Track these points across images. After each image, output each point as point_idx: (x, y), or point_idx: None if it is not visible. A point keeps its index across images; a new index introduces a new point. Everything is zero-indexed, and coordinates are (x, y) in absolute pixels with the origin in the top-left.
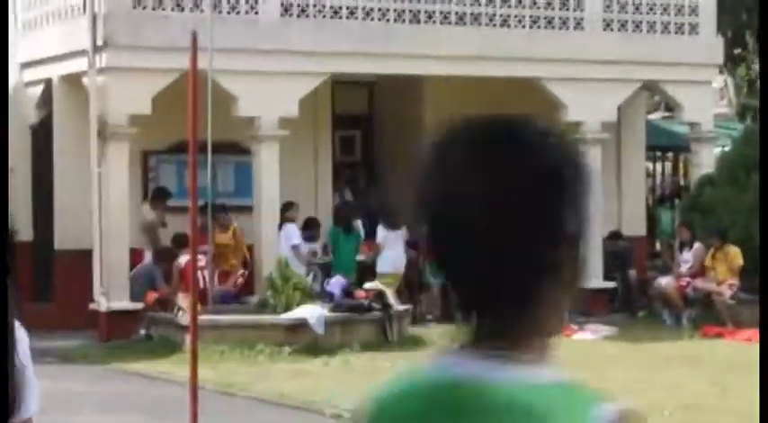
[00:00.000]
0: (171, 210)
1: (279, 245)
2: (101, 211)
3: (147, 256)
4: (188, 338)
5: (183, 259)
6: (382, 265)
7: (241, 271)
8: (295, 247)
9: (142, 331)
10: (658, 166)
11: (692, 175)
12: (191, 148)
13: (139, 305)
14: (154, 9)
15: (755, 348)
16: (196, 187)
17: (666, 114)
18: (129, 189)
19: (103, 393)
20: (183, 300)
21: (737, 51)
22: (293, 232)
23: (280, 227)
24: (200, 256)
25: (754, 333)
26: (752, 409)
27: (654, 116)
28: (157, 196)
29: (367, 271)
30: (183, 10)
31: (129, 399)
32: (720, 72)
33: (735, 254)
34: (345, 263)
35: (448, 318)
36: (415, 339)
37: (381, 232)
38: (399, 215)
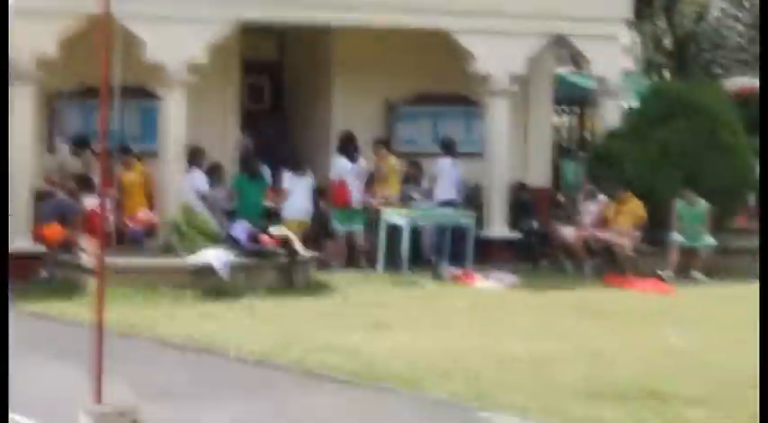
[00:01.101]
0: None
1: (184, 190)
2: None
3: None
4: (91, 281)
5: (89, 201)
6: (288, 212)
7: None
8: (201, 193)
9: (44, 273)
10: (565, 120)
11: (598, 129)
12: (102, 91)
13: (42, 248)
14: None
15: (653, 298)
16: (107, 131)
17: (574, 69)
18: (34, 133)
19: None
20: (86, 241)
21: (645, 8)
22: (200, 178)
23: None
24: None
25: (653, 283)
26: (648, 355)
27: (562, 70)
28: (80, 143)
29: (273, 217)
30: None
31: (29, 341)
32: (628, 28)
33: (637, 206)
34: (250, 208)
35: (352, 266)
36: (319, 285)
37: (288, 178)
38: (306, 162)
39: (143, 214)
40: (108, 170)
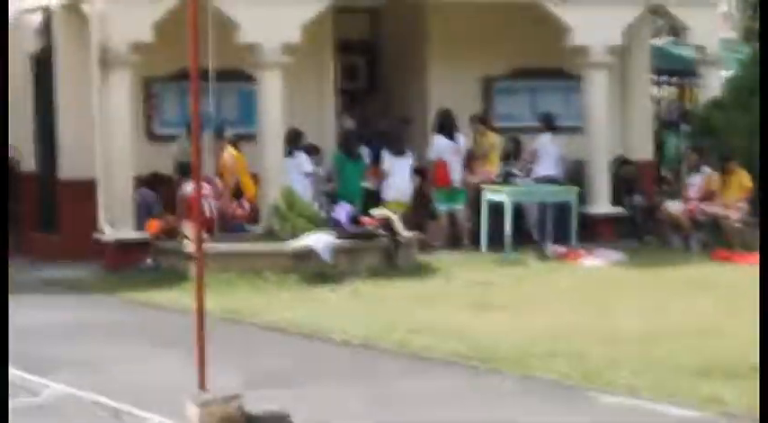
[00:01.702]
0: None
1: (288, 172)
2: (104, 139)
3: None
4: (194, 267)
5: (188, 187)
6: (388, 193)
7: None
8: (310, 175)
9: (149, 261)
10: (664, 91)
11: (699, 100)
12: (192, 75)
13: (145, 235)
14: None
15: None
16: (198, 115)
17: (672, 38)
18: (132, 117)
19: (109, 322)
20: (188, 228)
21: None
22: (304, 160)
23: (289, 154)
24: (204, 185)
25: None
26: (759, 331)
27: (660, 41)
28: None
29: (373, 198)
30: None
31: (134, 328)
32: None
33: (743, 177)
34: (351, 190)
35: (455, 246)
36: (422, 267)
37: (387, 159)
38: (405, 141)
39: (244, 201)
40: (203, 155)
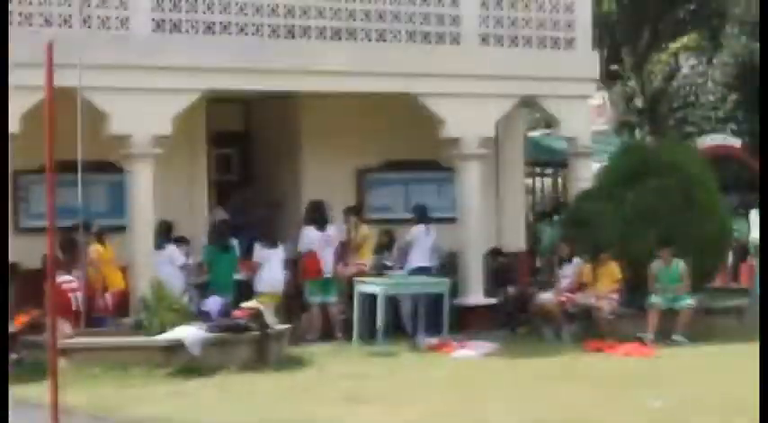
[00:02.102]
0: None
1: (158, 265)
2: None
3: None
4: (61, 361)
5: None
6: (260, 284)
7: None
8: (185, 267)
9: (12, 355)
10: (538, 182)
11: (571, 191)
12: (48, 166)
13: (11, 329)
14: (20, 24)
15: (635, 362)
16: (53, 207)
17: (546, 131)
18: None
19: None
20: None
21: (614, 67)
22: (175, 252)
23: (159, 246)
24: (71, 278)
25: (634, 347)
26: (635, 420)
27: (535, 133)
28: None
29: (246, 289)
30: (51, 25)
31: None
32: (598, 88)
33: (614, 268)
34: (222, 281)
35: (327, 338)
36: (294, 360)
37: (259, 250)
38: (277, 233)
39: (108, 295)
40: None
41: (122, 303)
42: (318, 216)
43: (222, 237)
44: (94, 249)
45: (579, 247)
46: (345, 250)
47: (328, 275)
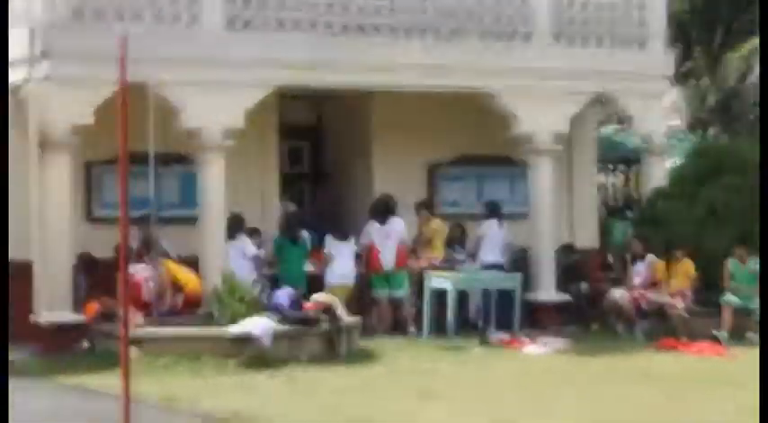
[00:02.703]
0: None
1: (230, 257)
2: (41, 222)
3: None
4: (132, 351)
5: (134, 270)
6: (331, 277)
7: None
8: (256, 258)
9: (85, 344)
10: (610, 179)
11: (644, 188)
12: (121, 157)
13: (82, 317)
14: (94, 19)
15: (708, 361)
16: (126, 199)
17: (618, 127)
18: (71, 201)
19: (38, 407)
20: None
21: (687, 66)
22: (247, 243)
23: (231, 238)
24: (144, 267)
25: (707, 345)
26: (706, 421)
27: (607, 129)
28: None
29: (316, 282)
30: (123, 20)
31: (65, 412)
32: (672, 85)
33: (688, 265)
34: (293, 273)
35: (398, 330)
36: (364, 353)
37: (330, 243)
38: (348, 226)
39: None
40: (147, 238)
41: (195, 302)
42: (381, 210)
43: (292, 229)
44: (165, 269)
45: (652, 245)
46: (417, 244)
47: (388, 269)
